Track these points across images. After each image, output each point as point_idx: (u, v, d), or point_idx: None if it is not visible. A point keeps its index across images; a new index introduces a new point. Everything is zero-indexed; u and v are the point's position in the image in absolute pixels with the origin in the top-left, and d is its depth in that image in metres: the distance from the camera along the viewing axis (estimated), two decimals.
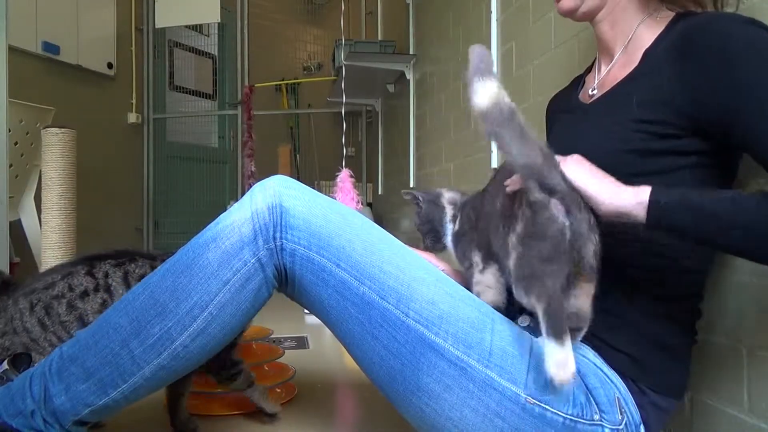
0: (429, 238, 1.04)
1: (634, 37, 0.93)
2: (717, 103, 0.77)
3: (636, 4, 0.94)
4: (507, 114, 0.72)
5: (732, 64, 0.76)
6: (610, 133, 0.87)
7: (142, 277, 1.05)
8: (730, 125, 0.77)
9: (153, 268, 1.07)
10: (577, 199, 0.76)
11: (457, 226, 1.02)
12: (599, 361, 0.86)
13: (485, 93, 0.73)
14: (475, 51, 0.75)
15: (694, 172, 0.83)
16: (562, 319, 0.71)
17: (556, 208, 0.74)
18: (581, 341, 0.87)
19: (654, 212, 0.75)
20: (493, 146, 2.05)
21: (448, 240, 1.03)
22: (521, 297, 0.76)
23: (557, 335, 0.70)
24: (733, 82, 0.75)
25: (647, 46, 0.90)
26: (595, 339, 0.87)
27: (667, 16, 0.91)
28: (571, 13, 0.98)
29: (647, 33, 0.91)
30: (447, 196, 1.05)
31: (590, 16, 0.98)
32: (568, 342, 0.71)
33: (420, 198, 1.06)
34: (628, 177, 0.78)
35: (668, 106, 0.82)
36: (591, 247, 0.75)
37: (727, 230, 0.73)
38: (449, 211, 1.03)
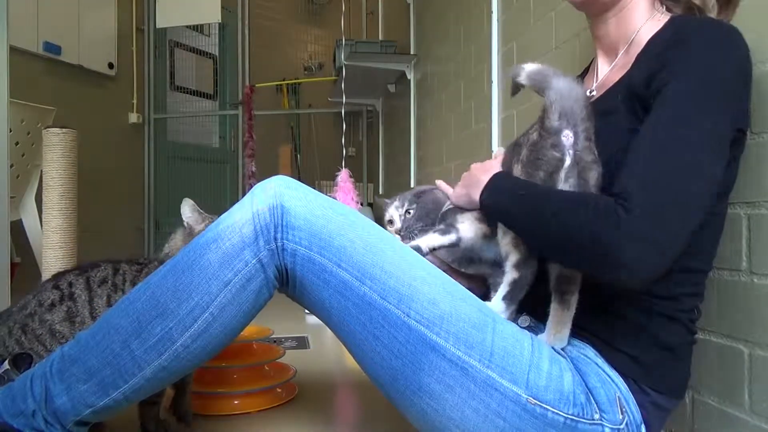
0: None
1: (636, 38, 0.93)
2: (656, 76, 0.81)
3: (645, 4, 0.94)
4: (552, 69, 0.86)
5: (675, 46, 0.81)
6: (606, 137, 0.87)
7: (103, 279, 1.06)
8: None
9: (116, 270, 1.08)
10: (589, 132, 0.81)
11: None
12: (600, 360, 0.86)
13: (530, 65, 0.89)
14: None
15: None
16: (521, 291, 0.88)
17: (566, 137, 0.80)
18: (582, 341, 0.88)
19: (485, 191, 0.91)
20: (493, 147, 2.05)
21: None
22: (503, 240, 0.89)
23: (510, 301, 0.88)
24: (667, 60, 0.80)
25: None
26: (596, 339, 0.87)
27: (666, 17, 0.91)
28: (590, 4, 0.97)
29: (646, 35, 0.91)
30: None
31: (609, 7, 0.96)
32: (513, 308, 0.89)
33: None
34: None
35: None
36: (594, 174, 0.81)
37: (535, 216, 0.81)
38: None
